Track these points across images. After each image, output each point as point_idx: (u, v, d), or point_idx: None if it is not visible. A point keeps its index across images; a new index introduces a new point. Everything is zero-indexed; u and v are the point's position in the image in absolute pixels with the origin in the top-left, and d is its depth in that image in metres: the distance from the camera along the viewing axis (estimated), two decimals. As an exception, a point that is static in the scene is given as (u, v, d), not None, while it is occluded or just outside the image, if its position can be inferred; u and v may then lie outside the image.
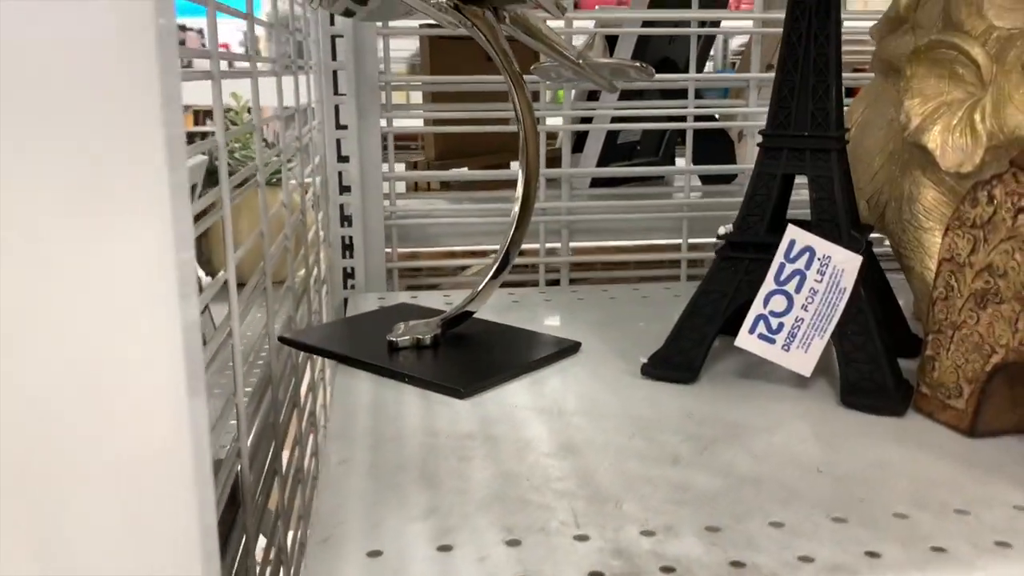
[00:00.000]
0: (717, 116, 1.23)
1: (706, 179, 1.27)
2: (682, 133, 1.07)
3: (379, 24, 0.93)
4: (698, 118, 1.04)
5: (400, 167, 1.21)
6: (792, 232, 0.64)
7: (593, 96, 1.16)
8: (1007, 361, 0.54)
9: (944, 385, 0.59)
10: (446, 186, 1.18)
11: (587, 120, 1.16)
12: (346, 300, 0.96)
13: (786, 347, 0.64)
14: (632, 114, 1.09)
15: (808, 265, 0.64)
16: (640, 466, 0.53)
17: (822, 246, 0.64)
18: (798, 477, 0.52)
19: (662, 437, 0.57)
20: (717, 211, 1.05)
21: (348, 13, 0.82)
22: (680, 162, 1.37)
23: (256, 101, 0.77)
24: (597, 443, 0.56)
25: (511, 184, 0.96)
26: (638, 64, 0.81)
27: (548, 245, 1.04)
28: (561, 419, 0.60)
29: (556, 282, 1.06)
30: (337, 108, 0.94)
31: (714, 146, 1.22)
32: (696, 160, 1.21)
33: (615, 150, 1.23)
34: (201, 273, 1.54)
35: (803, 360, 0.63)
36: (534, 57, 0.96)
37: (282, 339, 0.76)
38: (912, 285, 0.70)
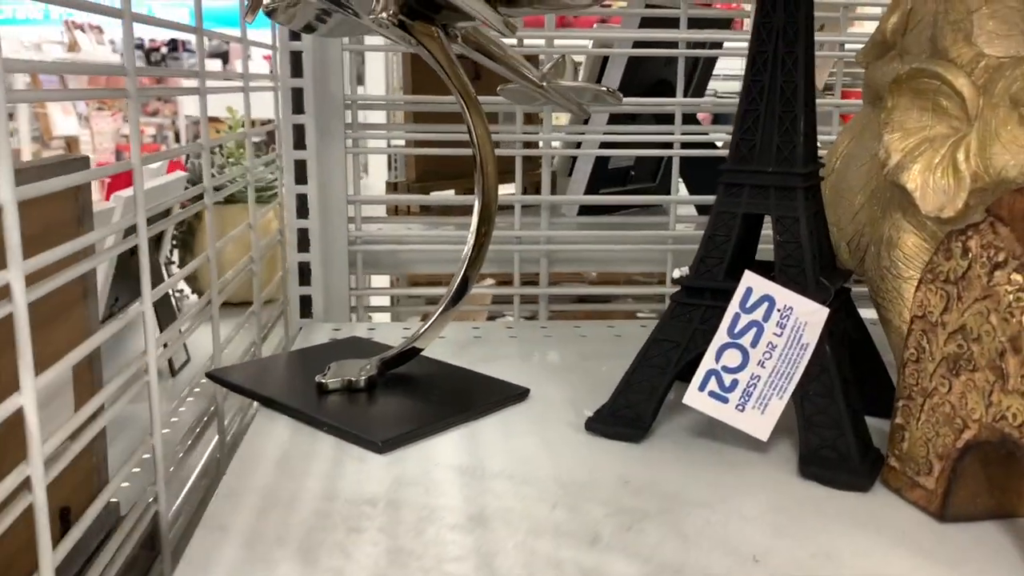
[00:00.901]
0: (720, 144, 1.16)
1: (703, 209, 1.20)
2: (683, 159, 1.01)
3: (344, 40, 0.89)
4: (694, 144, 0.98)
5: (381, 187, 1.16)
6: (749, 279, 0.57)
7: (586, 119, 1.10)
8: (979, 439, 0.47)
9: (914, 459, 0.52)
10: (426, 210, 1.12)
11: (578, 144, 1.10)
12: (300, 329, 0.91)
13: (740, 407, 0.57)
14: (621, 139, 1.03)
15: (767, 316, 0.57)
16: (552, 546, 0.47)
17: (783, 295, 0.57)
18: (728, 567, 0.45)
19: (587, 509, 0.51)
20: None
21: (308, 29, 0.77)
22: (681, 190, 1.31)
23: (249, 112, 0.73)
24: (512, 514, 0.50)
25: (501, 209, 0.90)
26: (605, 88, 0.76)
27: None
28: (481, 482, 0.54)
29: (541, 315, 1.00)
30: (302, 128, 0.90)
31: (712, 174, 1.15)
32: (693, 189, 1.14)
33: (607, 176, 1.17)
34: (188, 291, 1.50)
35: (759, 422, 0.57)
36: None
37: (209, 375, 0.71)
38: (890, 339, 0.62)
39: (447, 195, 1.15)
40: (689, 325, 0.60)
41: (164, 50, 6.23)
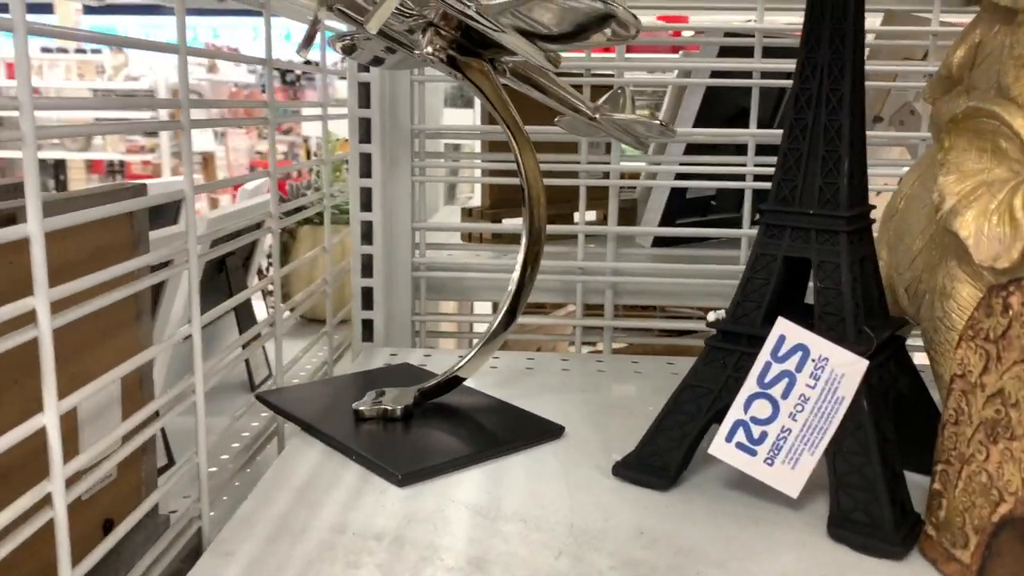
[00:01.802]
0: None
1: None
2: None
3: (414, 71, 0.90)
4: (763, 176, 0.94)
5: (456, 214, 1.18)
6: (782, 326, 0.55)
7: (661, 149, 1.08)
8: (1016, 514, 0.43)
9: (950, 530, 0.48)
10: (498, 237, 1.13)
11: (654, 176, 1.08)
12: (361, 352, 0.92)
13: (769, 461, 0.54)
14: (698, 170, 1.00)
15: (800, 366, 0.54)
16: (545, 596, 0.45)
17: (818, 345, 0.54)
18: (723, 635, 0.43)
19: (592, 559, 0.49)
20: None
21: (376, 62, 0.79)
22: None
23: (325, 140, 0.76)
24: (514, 560, 0.49)
25: (567, 238, 0.89)
26: (659, 122, 0.74)
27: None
28: (492, 524, 0.53)
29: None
30: (368, 156, 0.92)
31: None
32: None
33: (685, 205, 1.14)
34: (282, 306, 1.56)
35: (789, 478, 0.54)
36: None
37: (258, 397, 0.73)
38: (940, 395, 0.58)
39: (519, 222, 1.15)
40: (723, 371, 0.58)
41: (297, 71, 6.50)
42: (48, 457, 0.43)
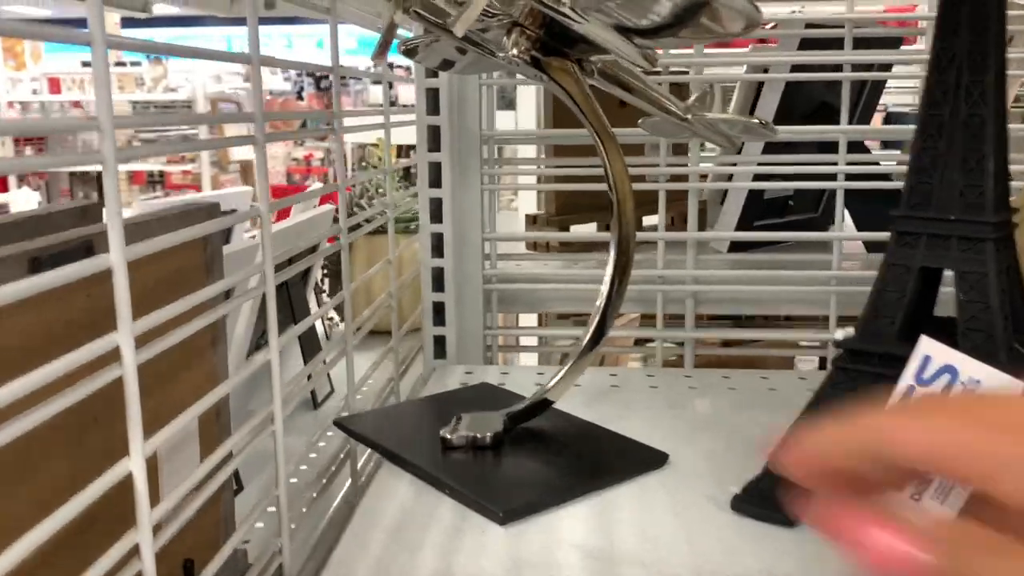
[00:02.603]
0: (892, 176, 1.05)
1: (872, 246, 1.09)
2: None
3: (482, 75, 0.86)
4: (861, 176, 0.88)
5: (520, 220, 1.13)
6: (927, 346, 0.49)
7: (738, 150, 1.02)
8: None
9: None
10: (567, 244, 1.08)
11: (730, 177, 1.02)
12: (434, 370, 0.88)
13: (916, 496, 0.49)
14: (778, 170, 0.95)
15: (948, 391, 0.49)
16: (685, 656, 0.41)
17: (968, 366, 0.48)
18: None
19: (728, 610, 0.44)
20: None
21: (445, 65, 0.75)
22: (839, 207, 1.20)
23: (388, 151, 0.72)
24: (641, 611, 0.44)
25: (641, 244, 0.85)
26: (758, 121, 0.69)
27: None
28: (609, 569, 0.49)
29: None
30: (438, 165, 0.88)
31: (883, 207, 1.04)
32: (859, 222, 1.05)
33: (762, 206, 1.09)
34: (337, 319, 1.53)
35: (938, 516, 0.48)
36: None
37: (337, 423, 0.69)
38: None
39: (587, 229, 1.11)
40: (853, 395, 0.53)
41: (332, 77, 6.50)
42: (132, 501, 0.40)
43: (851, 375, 0.53)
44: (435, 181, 0.87)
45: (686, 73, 0.94)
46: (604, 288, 0.65)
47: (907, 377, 0.49)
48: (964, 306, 0.50)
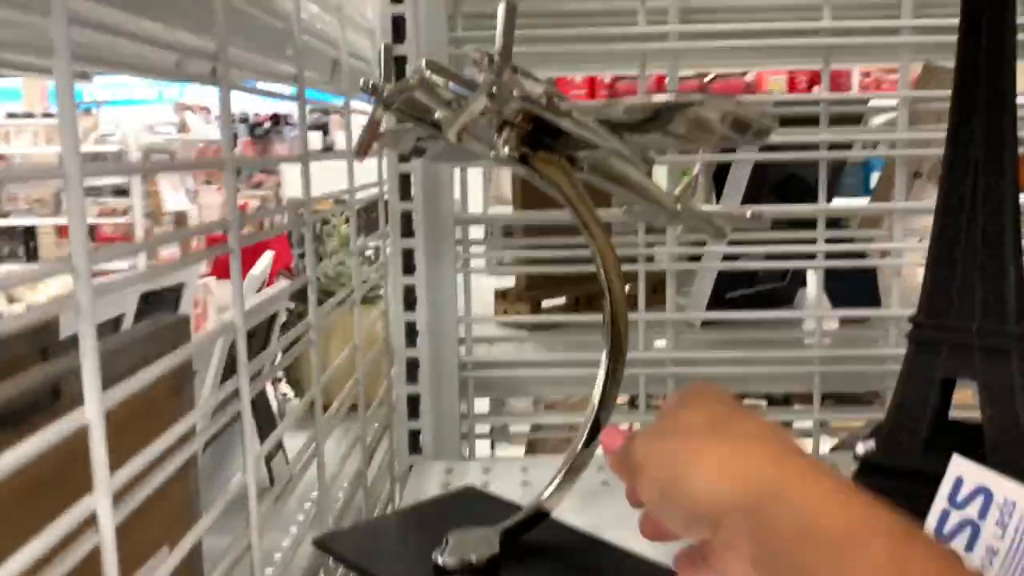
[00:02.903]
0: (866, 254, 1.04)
1: (839, 304, 1.08)
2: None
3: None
4: (840, 255, 0.87)
5: (489, 295, 1.10)
6: (959, 466, 0.47)
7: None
8: None
9: None
10: (536, 313, 1.05)
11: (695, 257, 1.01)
12: (411, 467, 0.84)
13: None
14: (753, 248, 0.93)
15: (983, 513, 0.46)
16: None
17: (1002, 487, 0.46)
18: None
19: None
20: (858, 364, 0.88)
21: (418, 153, 0.72)
22: (811, 280, 1.20)
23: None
24: None
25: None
26: (749, 214, 0.67)
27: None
28: None
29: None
30: (411, 252, 0.84)
31: (851, 273, 1.03)
32: (829, 290, 1.04)
33: (732, 277, 1.08)
34: (290, 393, 1.47)
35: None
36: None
37: (316, 542, 0.64)
38: None
39: (557, 303, 1.09)
40: (878, 514, 0.50)
41: (267, 124, 6.43)
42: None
43: (876, 493, 0.51)
44: (408, 267, 0.83)
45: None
46: (597, 392, 0.61)
47: (940, 501, 0.47)
48: (991, 420, 0.48)
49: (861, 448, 0.51)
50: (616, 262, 0.62)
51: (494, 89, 0.50)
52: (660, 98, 0.49)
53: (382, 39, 0.80)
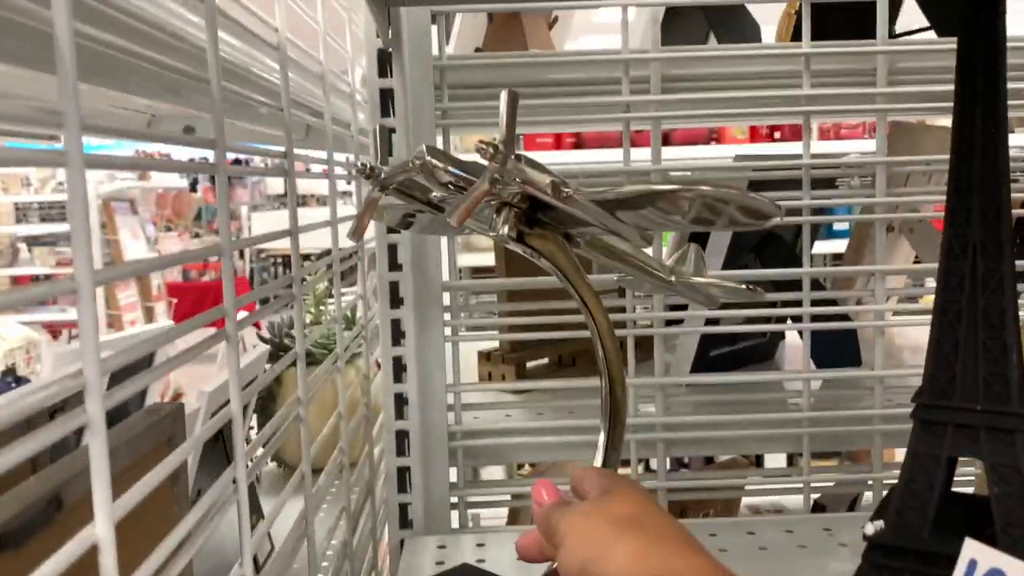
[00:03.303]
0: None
1: (824, 360, 1.09)
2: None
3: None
4: (824, 317, 0.88)
5: (472, 357, 1.09)
6: (972, 549, 0.47)
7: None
8: None
9: None
10: (521, 375, 1.05)
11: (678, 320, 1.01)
12: (402, 542, 0.82)
13: None
14: (730, 313, 0.94)
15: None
16: None
17: (1016, 570, 0.46)
18: None
19: None
20: (846, 425, 0.88)
21: (406, 225, 0.72)
22: (790, 336, 1.21)
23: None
24: None
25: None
26: (745, 286, 0.67)
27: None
28: None
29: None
30: (398, 321, 0.83)
31: (841, 343, 1.04)
32: (817, 356, 1.05)
33: (715, 336, 1.08)
34: (267, 460, 1.43)
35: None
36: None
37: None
38: None
39: (540, 363, 1.08)
40: (892, 596, 0.50)
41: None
42: None
43: (886, 572, 0.51)
44: (396, 338, 0.82)
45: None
46: (600, 448, 0.61)
47: (955, 584, 0.47)
48: (999, 499, 0.48)
49: (871, 528, 0.51)
50: (612, 334, 0.62)
51: (498, 175, 0.50)
52: (662, 188, 0.49)
53: (371, 112, 0.80)
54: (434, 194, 0.62)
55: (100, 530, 0.35)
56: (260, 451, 0.67)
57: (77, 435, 0.66)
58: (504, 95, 0.50)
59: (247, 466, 0.54)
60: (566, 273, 0.60)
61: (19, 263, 5.55)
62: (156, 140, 0.47)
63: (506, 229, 0.57)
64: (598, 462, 0.61)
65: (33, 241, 5.73)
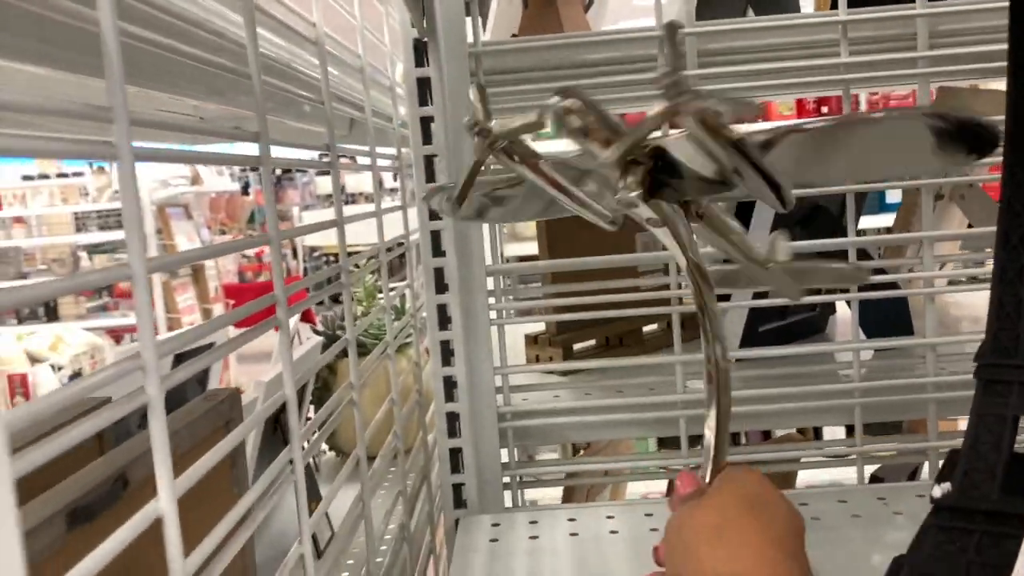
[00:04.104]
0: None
1: (874, 332, 1.07)
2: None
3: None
4: (873, 286, 0.87)
5: (519, 341, 1.10)
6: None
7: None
8: None
9: None
10: (568, 358, 1.05)
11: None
12: (457, 521, 0.83)
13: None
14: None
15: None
16: None
17: (1075, 527, 0.46)
18: None
19: None
20: (898, 393, 0.87)
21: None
22: (841, 307, 1.19)
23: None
24: None
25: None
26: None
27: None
28: None
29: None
30: (445, 307, 0.84)
31: (882, 301, 1.03)
32: (862, 318, 1.04)
33: (764, 310, 1.07)
34: (325, 447, 1.46)
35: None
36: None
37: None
38: None
39: (586, 346, 1.09)
40: (961, 556, 0.50)
41: (278, 171, 6.48)
42: None
43: (955, 535, 0.50)
44: (443, 322, 0.83)
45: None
46: (710, 436, 0.57)
47: None
48: (1059, 457, 0.48)
49: (938, 491, 0.51)
50: (719, 315, 0.57)
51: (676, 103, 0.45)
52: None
53: (409, 101, 0.81)
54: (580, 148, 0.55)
55: (164, 504, 0.36)
56: (316, 435, 0.68)
57: (140, 425, 0.68)
58: (666, 29, 0.44)
59: (303, 448, 0.55)
60: (686, 248, 0.55)
61: (80, 271, 5.72)
62: (203, 134, 0.49)
63: (636, 189, 0.51)
64: (709, 443, 0.57)
65: (93, 249, 5.89)
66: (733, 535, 0.44)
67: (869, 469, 1.22)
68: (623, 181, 0.49)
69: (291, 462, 0.54)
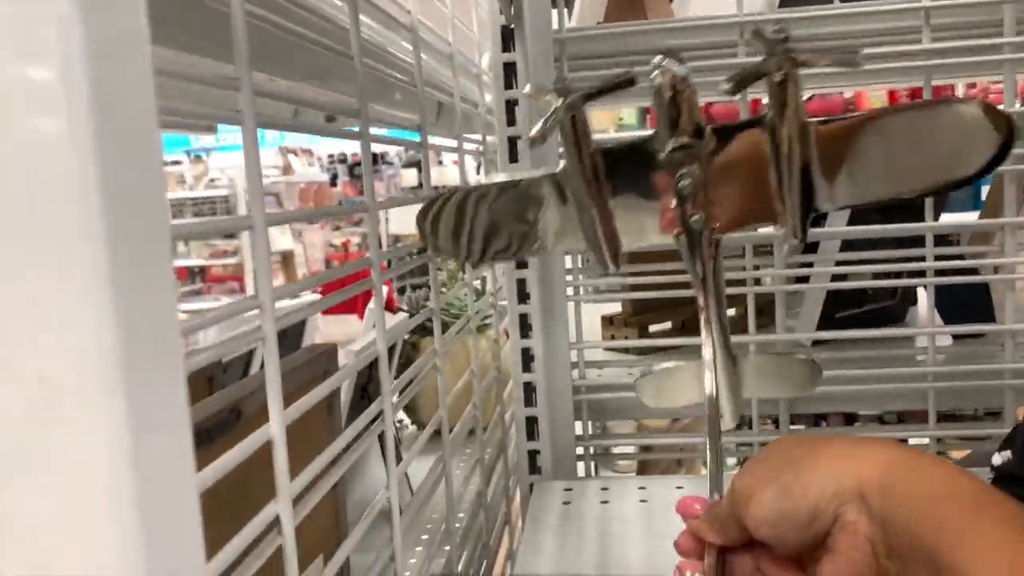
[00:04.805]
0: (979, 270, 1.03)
1: (955, 320, 1.07)
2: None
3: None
4: (949, 271, 0.87)
5: (596, 322, 1.14)
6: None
7: (810, 247, 1.02)
8: None
9: None
10: (644, 338, 1.08)
11: (803, 278, 1.02)
12: (531, 486, 0.87)
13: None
14: (861, 266, 0.94)
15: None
16: None
17: None
18: None
19: None
20: (974, 380, 0.87)
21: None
22: (922, 298, 1.19)
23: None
24: None
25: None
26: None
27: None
28: None
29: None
30: (523, 281, 0.89)
31: (963, 289, 1.03)
32: (941, 306, 1.03)
33: (841, 297, 1.08)
34: (406, 420, 1.53)
35: None
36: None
37: None
38: None
39: (663, 327, 1.11)
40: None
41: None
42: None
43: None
44: (522, 296, 0.88)
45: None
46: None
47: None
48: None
49: (998, 459, 0.53)
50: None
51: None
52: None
53: (495, 85, 0.85)
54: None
55: (274, 428, 0.41)
56: (401, 395, 0.74)
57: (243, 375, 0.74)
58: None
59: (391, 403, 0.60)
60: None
61: (176, 256, 5.99)
62: (310, 107, 0.54)
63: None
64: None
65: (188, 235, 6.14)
66: (843, 440, 0.40)
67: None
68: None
69: (381, 412, 0.59)
